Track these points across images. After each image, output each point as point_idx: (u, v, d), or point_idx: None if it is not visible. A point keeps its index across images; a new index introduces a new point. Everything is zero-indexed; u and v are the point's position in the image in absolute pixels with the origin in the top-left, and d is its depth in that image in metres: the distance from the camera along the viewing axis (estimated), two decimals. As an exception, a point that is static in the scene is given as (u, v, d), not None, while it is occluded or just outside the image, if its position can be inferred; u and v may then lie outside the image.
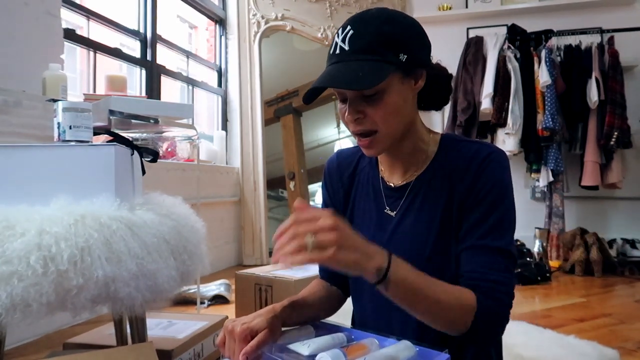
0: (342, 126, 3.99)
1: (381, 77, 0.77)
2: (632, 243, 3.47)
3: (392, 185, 0.91)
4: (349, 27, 0.79)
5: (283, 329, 0.84)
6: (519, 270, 2.97)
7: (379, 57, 0.78)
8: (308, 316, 0.91)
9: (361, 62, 0.77)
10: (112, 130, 1.45)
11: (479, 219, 0.81)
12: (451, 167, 0.85)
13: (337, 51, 0.80)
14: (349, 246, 0.67)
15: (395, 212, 0.89)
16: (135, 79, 3.02)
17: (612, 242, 3.53)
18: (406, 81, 0.82)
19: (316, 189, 3.91)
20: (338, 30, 0.81)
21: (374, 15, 0.80)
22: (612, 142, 3.32)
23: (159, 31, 3.11)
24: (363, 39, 0.78)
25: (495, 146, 0.86)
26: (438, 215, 0.84)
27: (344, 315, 1.02)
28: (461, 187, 0.83)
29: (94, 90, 2.60)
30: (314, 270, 2.25)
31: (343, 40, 0.79)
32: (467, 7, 4.07)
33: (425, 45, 0.84)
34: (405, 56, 0.79)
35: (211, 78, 3.91)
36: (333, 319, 0.98)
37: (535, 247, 3.43)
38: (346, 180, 0.98)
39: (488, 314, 0.76)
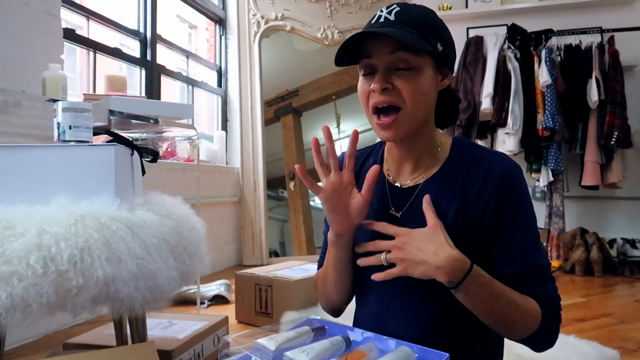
0: (342, 126, 3.99)
1: (425, 46, 0.79)
2: (632, 243, 3.47)
3: (398, 185, 0.90)
4: (394, 5, 0.82)
5: (281, 332, 0.83)
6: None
7: (421, 35, 0.79)
8: (347, 278, 0.93)
9: (406, 32, 0.78)
10: (112, 130, 1.45)
11: (517, 244, 0.82)
12: (465, 175, 0.84)
13: (382, 20, 0.81)
14: (416, 262, 0.76)
15: (401, 213, 0.88)
16: (135, 79, 3.02)
17: (612, 242, 3.53)
18: (436, 73, 0.83)
19: (316, 189, 3.91)
20: (381, 9, 0.83)
21: (418, 5, 0.84)
22: (612, 142, 3.32)
23: (158, 31, 3.11)
24: (409, 16, 0.81)
25: (509, 158, 0.85)
26: (448, 220, 0.83)
27: (344, 315, 1.02)
28: (478, 202, 0.82)
29: (94, 90, 2.60)
30: (313, 270, 2.26)
31: (389, 13, 0.81)
32: (467, 6, 4.07)
33: (454, 52, 0.87)
34: (442, 48, 0.82)
35: (211, 78, 3.91)
36: (334, 319, 0.98)
37: (536, 247, 3.43)
38: None
39: (548, 327, 0.82)
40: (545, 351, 0.86)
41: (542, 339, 0.83)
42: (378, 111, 0.82)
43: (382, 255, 0.79)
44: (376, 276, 0.80)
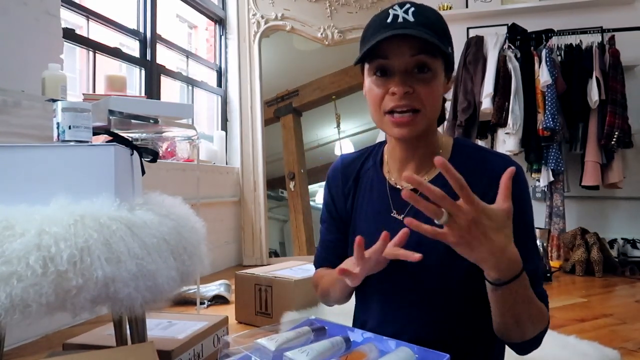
0: (342, 126, 3.99)
1: (449, 50, 0.78)
2: (632, 243, 3.47)
3: (400, 187, 0.89)
4: (408, 5, 0.80)
5: (280, 332, 0.83)
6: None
7: (438, 38, 0.78)
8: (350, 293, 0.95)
9: (428, 35, 0.77)
10: (111, 130, 1.45)
11: (522, 244, 0.79)
12: (467, 177, 0.82)
13: (400, 20, 0.78)
14: (476, 248, 0.66)
15: (403, 216, 0.87)
16: (135, 79, 3.01)
17: (612, 242, 3.53)
18: (445, 76, 0.83)
19: (316, 189, 3.91)
20: (392, 6, 0.80)
21: (428, 6, 0.83)
22: (612, 142, 3.32)
23: (158, 31, 3.11)
24: (426, 17, 0.79)
25: (511, 160, 0.85)
26: None
27: (344, 315, 1.01)
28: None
29: (94, 90, 2.60)
30: (313, 270, 2.25)
31: (405, 12, 0.79)
32: (467, 6, 4.07)
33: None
34: (451, 51, 0.82)
35: (211, 78, 3.91)
36: (334, 319, 0.98)
37: (536, 247, 3.43)
38: (351, 185, 0.97)
39: (546, 327, 0.82)
40: (528, 354, 0.85)
41: (536, 341, 0.82)
42: (393, 110, 0.81)
43: (444, 216, 0.65)
44: (411, 223, 0.66)
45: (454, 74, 0.91)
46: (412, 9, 0.79)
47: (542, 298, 0.82)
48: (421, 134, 0.84)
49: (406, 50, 0.78)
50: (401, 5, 0.80)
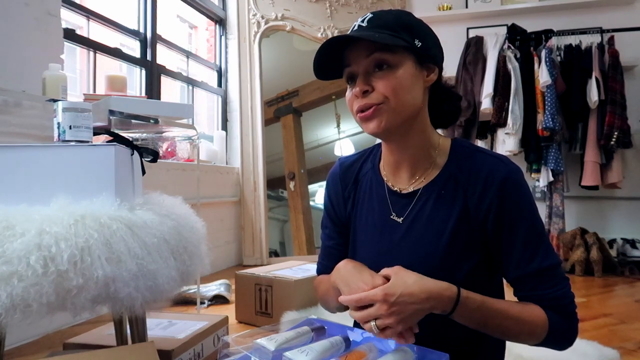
0: (342, 126, 3.99)
1: (396, 41, 0.79)
2: (632, 243, 3.47)
3: (398, 190, 0.89)
4: (369, 14, 0.84)
5: (280, 332, 0.83)
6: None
7: (395, 34, 0.80)
8: None
9: (379, 33, 0.80)
10: (112, 130, 1.45)
11: (522, 247, 0.81)
12: (465, 179, 0.83)
13: (355, 28, 0.84)
14: (408, 316, 0.74)
15: (402, 219, 0.88)
16: (135, 79, 3.02)
17: (612, 242, 3.53)
18: (418, 69, 0.83)
19: (316, 189, 3.91)
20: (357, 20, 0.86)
21: (394, 10, 0.86)
22: (612, 142, 3.32)
23: (158, 31, 3.11)
24: (381, 20, 0.82)
25: (509, 161, 0.84)
26: (449, 226, 0.83)
27: (344, 315, 1.02)
28: (480, 208, 0.82)
29: (94, 90, 2.60)
30: (313, 270, 2.25)
31: (362, 21, 0.83)
32: (467, 7, 4.07)
33: (439, 47, 0.87)
34: (420, 44, 0.82)
35: (211, 78, 3.91)
36: (334, 319, 0.98)
37: (536, 247, 3.42)
38: (351, 189, 0.97)
39: (561, 330, 0.80)
40: (566, 349, 0.84)
41: (558, 342, 0.82)
42: (360, 110, 0.84)
43: (372, 323, 0.74)
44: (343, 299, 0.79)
45: (445, 70, 0.91)
46: (370, 16, 0.83)
47: (547, 300, 0.80)
48: (399, 129, 0.83)
49: (362, 53, 0.81)
50: (364, 16, 0.84)
